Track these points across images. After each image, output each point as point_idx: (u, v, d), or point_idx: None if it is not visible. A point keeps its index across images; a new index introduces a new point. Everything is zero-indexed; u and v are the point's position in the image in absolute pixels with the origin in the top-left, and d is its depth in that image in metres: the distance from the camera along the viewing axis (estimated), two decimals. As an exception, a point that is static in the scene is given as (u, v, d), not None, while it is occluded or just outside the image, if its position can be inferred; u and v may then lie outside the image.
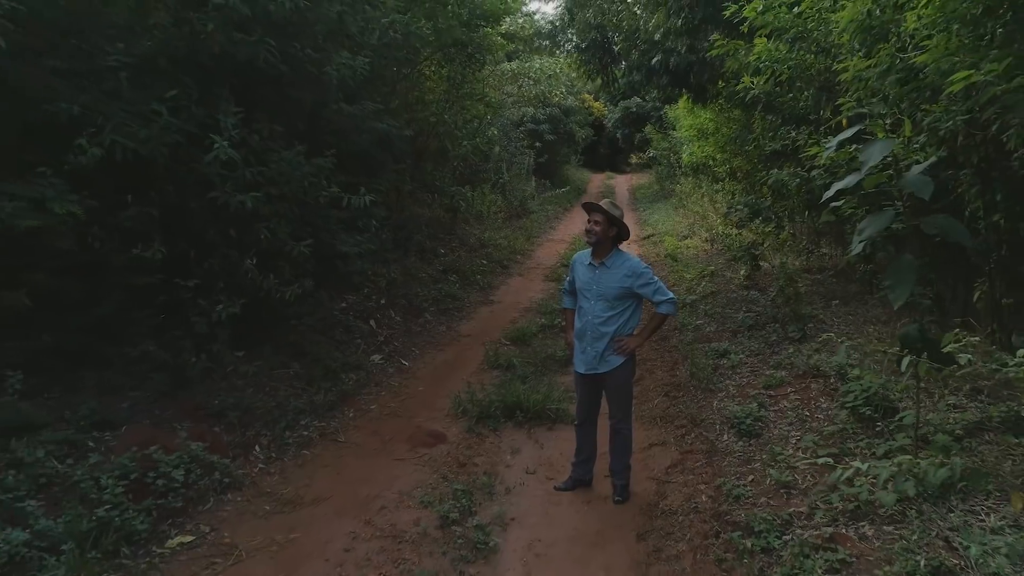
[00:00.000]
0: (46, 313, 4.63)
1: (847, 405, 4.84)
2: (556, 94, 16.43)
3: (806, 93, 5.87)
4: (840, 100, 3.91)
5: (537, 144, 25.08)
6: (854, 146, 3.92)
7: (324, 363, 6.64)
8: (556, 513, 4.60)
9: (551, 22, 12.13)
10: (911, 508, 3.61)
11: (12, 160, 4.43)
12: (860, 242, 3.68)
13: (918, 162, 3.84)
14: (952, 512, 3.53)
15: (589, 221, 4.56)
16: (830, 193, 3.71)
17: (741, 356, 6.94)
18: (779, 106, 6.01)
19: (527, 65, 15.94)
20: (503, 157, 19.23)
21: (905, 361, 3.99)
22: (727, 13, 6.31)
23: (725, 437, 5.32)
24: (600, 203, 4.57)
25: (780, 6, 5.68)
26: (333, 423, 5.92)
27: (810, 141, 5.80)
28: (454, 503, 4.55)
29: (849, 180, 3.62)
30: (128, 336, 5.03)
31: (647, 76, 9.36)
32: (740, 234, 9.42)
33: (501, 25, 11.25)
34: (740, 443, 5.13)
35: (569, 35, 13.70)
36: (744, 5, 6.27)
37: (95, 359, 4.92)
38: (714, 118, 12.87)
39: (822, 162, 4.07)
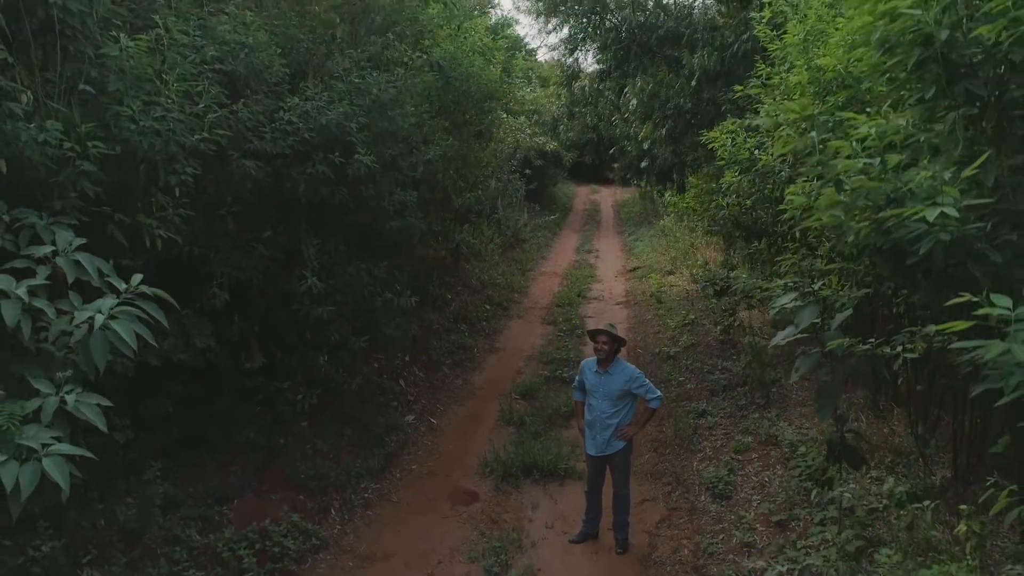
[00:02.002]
0: (177, 411, 5.95)
1: (794, 477, 6.28)
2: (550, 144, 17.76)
3: (764, 214, 7.32)
4: (776, 282, 5.27)
5: (527, 171, 26.50)
6: (792, 305, 5.32)
7: (371, 428, 7.98)
8: (573, 563, 6.01)
9: (552, 116, 13.45)
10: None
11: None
12: (797, 374, 5.12)
13: (843, 306, 5.27)
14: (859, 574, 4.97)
15: (597, 342, 5.98)
16: (776, 341, 5.13)
17: (716, 418, 8.38)
18: (744, 222, 7.43)
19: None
20: (498, 192, 20.60)
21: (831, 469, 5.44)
22: (703, 139, 7.75)
23: (703, 498, 6.76)
24: (604, 328, 6.00)
25: (742, 141, 7.11)
26: (386, 484, 7.28)
27: (771, 250, 7.25)
28: (495, 558, 5.93)
29: (788, 333, 5.05)
30: (235, 424, 6.36)
31: (636, 173, 10.82)
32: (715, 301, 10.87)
33: (506, 100, 12.63)
34: (714, 504, 6.56)
35: (567, 130, 15.10)
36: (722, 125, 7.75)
37: (210, 444, 6.25)
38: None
39: (772, 311, 5.44)
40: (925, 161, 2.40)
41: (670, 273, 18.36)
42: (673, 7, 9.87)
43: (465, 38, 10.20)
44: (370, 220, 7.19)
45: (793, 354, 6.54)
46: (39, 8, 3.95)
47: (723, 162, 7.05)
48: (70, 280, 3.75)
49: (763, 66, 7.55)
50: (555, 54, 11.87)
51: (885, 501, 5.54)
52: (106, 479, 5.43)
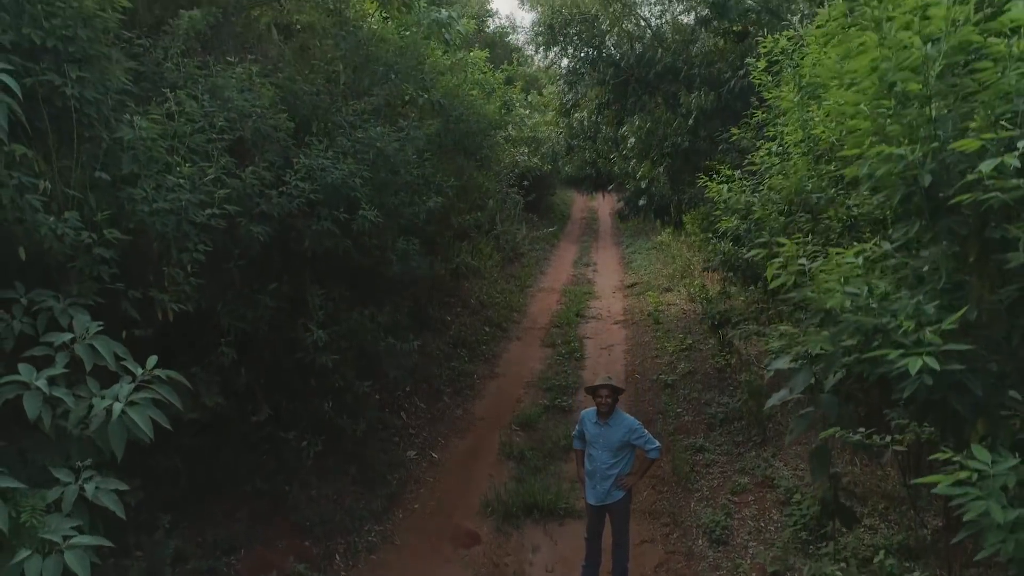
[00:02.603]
0: (185, 464, 6.07)
1: (789, 526, 6.43)
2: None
3: (760, 262, 7.45)
4: (772, 337, 5.40)
5: (525, 182, 26.60)
6: (789, 368, 5.45)
7: (374, 466, 8.11)
8: (573, 611, 6.15)
9: (552, 149, 13.64)
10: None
11: (165, 352, 5.85)
12: (792, 436, 5.26)
13: (836, 371, 5.41)
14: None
15: (599, 396, 6.11)
16: (772, 402, 5.27)
17: (714, 455, 8.52)
18: (739, 267, 7.59)
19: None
20: (497, 208, 20.73)
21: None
22: (701, 182, 7.91)
23: (700, 542, 6.90)
24: (606, 382, 6.13)
25: (738, 192, 7.26)
26: (389, 526, 7.40)
27: (763, 298, 7.43)
28: (497, 606, 6.07)
29: (782, 395, 5.18)
30: (242, 473, 6.49)
31: (634, 210, 11.01)
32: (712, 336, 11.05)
33: (506, 129, 12.79)
34: (711, 550, 6.70)
35: (565, 164, 15.27)
36: (714, 175, 7.89)
37: (217, 493, 6.37)
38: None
39: (768, 372, 5.58)
40: (906, 301, 2.54)
41: (668, 290, 18.51)
42: (671, 41, 9.97)
43: (465, 72, 10.34)
44: (373, 265, 7.31)
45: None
46: (56, 98, 4.07)
47: (719, 211, 7.19)
48: (88, 368, 3.88)
49: (760, 112, 7.69)
50: (556, 86, 11.96)
51: (879, 555, 5.68)
52: (116, 535, 5.54)
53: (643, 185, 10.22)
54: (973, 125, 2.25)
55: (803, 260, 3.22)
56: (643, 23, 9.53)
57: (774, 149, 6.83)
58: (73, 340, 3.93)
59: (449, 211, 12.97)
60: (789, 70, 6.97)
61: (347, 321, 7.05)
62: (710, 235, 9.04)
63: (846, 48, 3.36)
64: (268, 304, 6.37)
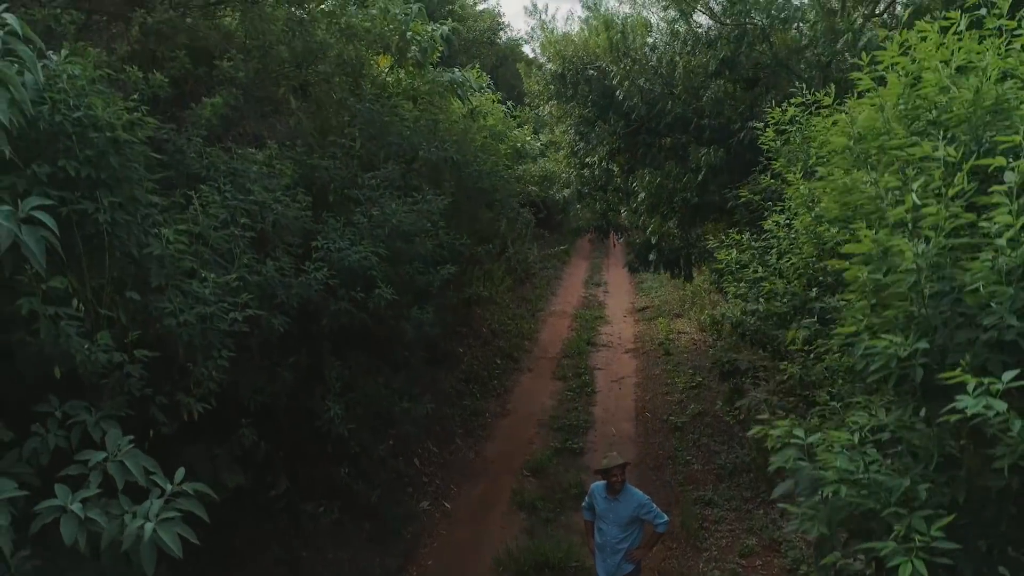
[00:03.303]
0: (203, 540, 6.26)
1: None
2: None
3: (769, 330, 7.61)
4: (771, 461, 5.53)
5: (539, 211, 26.73)
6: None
7: (388, 521, 8.29)
8: None
9: (564, 198, 13.82)
10: None
11: (186, 435, 6.06)
12: (777, 493, 5.42)
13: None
14: None
15: (612, 476, 6.25)
16: (778, 492, 5.40)
17: (722, 511, 8.65)
18: (748, 333, 7.72)
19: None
20: (508, 231, 20.89)
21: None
22: (710, 244, 8.05)
23: (708, 610, 7.04)
24: (616, 463, 6.27)
25: (749, 260, 7.40)
26: (403, 587, 7.60)
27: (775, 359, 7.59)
28: None
29: (786, 488, 5.32)
30: (259, 543, 6.68)
31: (644, 264, 11.18)
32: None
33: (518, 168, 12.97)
34: (719, 620, 6.84)
35: (577, 216, 15.47)
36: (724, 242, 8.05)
37: (236, 565, 6.57)
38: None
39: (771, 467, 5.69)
40: (899, 481, 2.67)
41: (678, 316, 18.63)
42: (681, 90, 10.09)
43: (476, 120, 10.52)
44: (388, 333, 7.49)
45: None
46: (89, 224, 4.26)
47: (729, 279, 7.32)
48: (120, 487, 4.07)
49: (766, 178, 7.80)
50: (566, 132, 12.14)
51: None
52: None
53: (653, 241, 10.39)
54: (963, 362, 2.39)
55: (800, 434, 3.35)
56: (653, 75, 9.64)
57: (781, 222, 6.94)
58: (106, 459, 4.12)
59: (462, 274, 13.16)
60: (797, 139, 7.10)
61: (363, 388, 7.23)
62: (719, 288, 9.17)
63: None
64: (287, 377, 6.56)
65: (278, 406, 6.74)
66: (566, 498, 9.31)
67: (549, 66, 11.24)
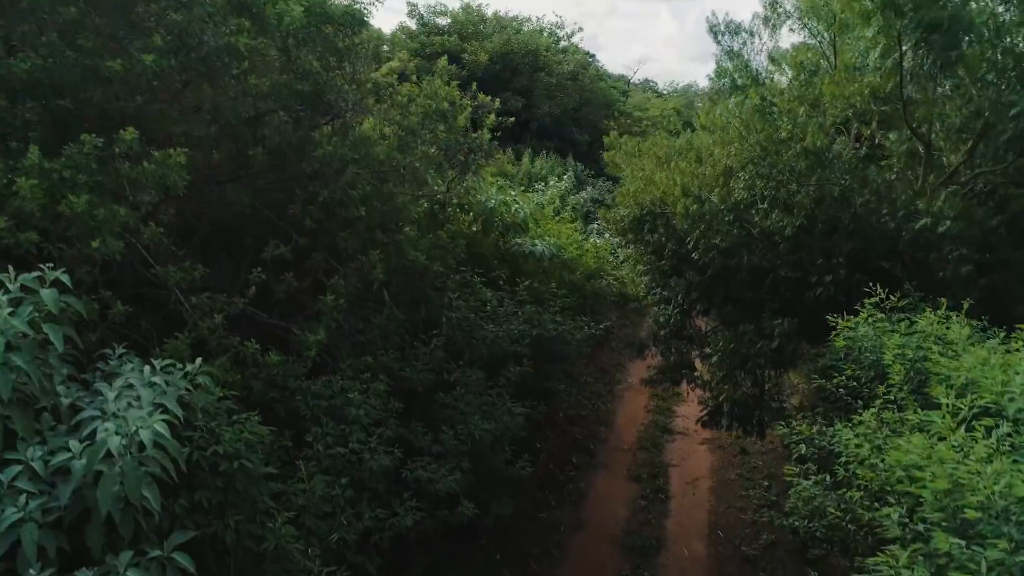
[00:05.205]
0: None
1: None
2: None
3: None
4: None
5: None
6: None
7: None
8: None
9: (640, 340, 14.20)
10: None
11: None
12: None
13: None
14: None
15: None
16: None
17: None
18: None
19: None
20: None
21: None
22: (777, 430, 8.29)
23: None
24: None
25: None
26: None
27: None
28: None
29: None
30: None
31: (717, 424, 11.47)
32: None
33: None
34: None
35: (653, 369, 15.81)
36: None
37: None
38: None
39: None
40: None
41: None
42: (757, 244, 10.26)
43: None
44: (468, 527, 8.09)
45: None
46: (218, 543, 5.00)
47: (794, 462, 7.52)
48: None
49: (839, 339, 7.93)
50: (639, 276, 12.55)
51: None
52: None
53: (725, 409, 10.62)
54: None
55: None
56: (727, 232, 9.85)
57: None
58: None
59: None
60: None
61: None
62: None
63: None
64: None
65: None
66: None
67: (623, 211, 11.59)
